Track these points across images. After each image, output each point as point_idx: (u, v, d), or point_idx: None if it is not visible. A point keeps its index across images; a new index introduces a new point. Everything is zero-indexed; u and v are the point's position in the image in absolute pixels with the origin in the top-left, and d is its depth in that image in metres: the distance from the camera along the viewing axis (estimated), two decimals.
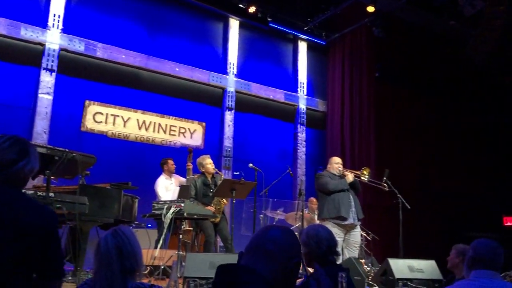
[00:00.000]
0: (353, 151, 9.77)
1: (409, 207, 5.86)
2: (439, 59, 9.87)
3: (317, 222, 6.57)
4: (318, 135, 10.66)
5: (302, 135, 10.32)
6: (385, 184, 5.76)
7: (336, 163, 5.72)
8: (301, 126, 10.40)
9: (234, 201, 5.66)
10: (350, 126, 9.96)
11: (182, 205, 4.63)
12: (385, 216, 8.10)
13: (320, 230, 2.96)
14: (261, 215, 7.49)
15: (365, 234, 7.44)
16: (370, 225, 7.96)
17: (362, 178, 5.62)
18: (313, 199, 7.90)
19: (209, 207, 5.61)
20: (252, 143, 9.53)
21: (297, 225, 7.08)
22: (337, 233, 5.20)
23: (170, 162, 7.07)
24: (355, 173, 5.63)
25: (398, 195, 5.89)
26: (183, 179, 6.72)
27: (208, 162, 5.97)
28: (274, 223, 7.41)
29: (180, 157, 7.61)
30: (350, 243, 5.46)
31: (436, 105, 10.31)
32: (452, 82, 10.15)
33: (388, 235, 7.26)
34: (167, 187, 6.93)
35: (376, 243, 7.71)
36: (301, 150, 10.21)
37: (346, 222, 5.37)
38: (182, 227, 5.15)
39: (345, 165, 6.14)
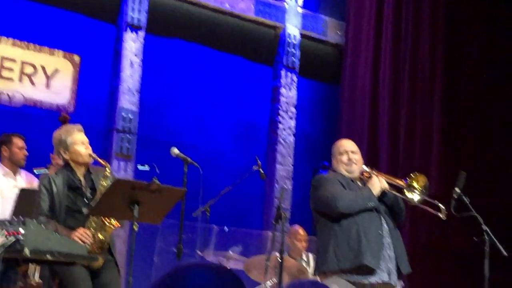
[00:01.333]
0: (396, 136, 7.46)
1: (505, 253, 4.36)
2: None
3: (311, 278, 5.36)
4: (324, 94, 8.35)
5: (290, 93, 7.82)
6: (443, 207, 4.21)
7: (340, 152, 4.25)
8: (289, 74, 7.84)
9: (136, 227, 4.07)
10: (393, 84, 7.43)
11: (22, 231, 3.55)
12: (455, 268, 6.93)
13: None
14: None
15: None
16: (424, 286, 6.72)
17: (409, 194, 4.15)
18: (300, 230, 6.23)
19: (78, 236, 4.16)
20: (180, 106, 7.40)
21: (268, 283, 5.36)
22: None
23: (17, 142, 5.28)
24: (393, 181, 4.22)
25: (484, 228, 4.36)
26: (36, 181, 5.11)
27: (78, 141, 4.39)
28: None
29: (37, 133, 5.90)
30: None
31: None
32: None
33: None
34: (2, 193, 5.26)
35: None
36: (286, 124, 7.81)
37: (374, 280, 3.96)
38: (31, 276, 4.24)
39: (374, 165, 4.73)
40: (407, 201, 4.24)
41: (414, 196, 4.24)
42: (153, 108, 7.28)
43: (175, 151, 4.80)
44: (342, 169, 4.21)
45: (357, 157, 4.23)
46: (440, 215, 4.24)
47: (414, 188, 4.26)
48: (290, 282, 4.67)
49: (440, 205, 4.19)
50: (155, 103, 7.30)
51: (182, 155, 4.79)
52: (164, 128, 7.32)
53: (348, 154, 4.22)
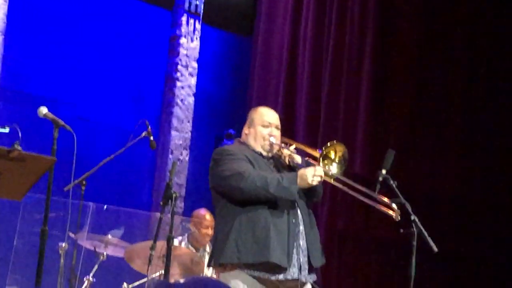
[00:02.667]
0: (316, 102, 7.05)
1: (435, 249, 3.85)
2: None
3: (208, 272, 5.17)
4: (233, 47, 8.18)
5: (191, 45, 7.55)
6: (379, 188, 3.82)
7: (264, 124, 3.91)
8: (191, 20, 7.52)
9: None
10: (315, 41, 7.09)
11: None
12: (378, 261, 6.66)
13: None
14: (63, 244, 5.01)
15: None
16: (340, 279, 6.48)
17: (325, 167, 3.72)
18: (207, 215, 5.88)
19: None
20: (55, 54, 6.83)
21: (155, 275, 5.08)
22: None
23: None
24: (305, 150, 3.93)
25: (413, 218, 3.84)
26: None
27: None
28: (96, 266, 5.33)
29: None
30: None
31: None
32: None
33: None
34: None
35: None
36: (186, 82, 7.54)
37: (282, 277, 3.64)
38: None
39: (290, 136, 4.85)
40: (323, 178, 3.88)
41: (331, 169, 3.84)
42: (19, 53, 6.77)
43: (43, 110, 4.12)
44: (257, 144, 3.91)
45: (279, 134, 3.92)
46: (394, 215, 3.82)
47: (330, 159, 3.87)
48: (176, 282, 4.35)
49: (392, 204, 3.81)
50: (22, 47, 6.78)
51: (51, 115, 4.06)
52: (32, 79, 6.81)
53: (272, 129, 3.89)
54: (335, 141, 3.90)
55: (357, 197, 4.00)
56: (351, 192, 3.93)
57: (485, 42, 7.29)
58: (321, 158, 3.77)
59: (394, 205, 3.81)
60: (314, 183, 3.65)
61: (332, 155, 3.88)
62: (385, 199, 3.88)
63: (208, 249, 5.81)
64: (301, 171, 3.72)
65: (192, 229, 6.03)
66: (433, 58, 7.40)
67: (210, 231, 5.73)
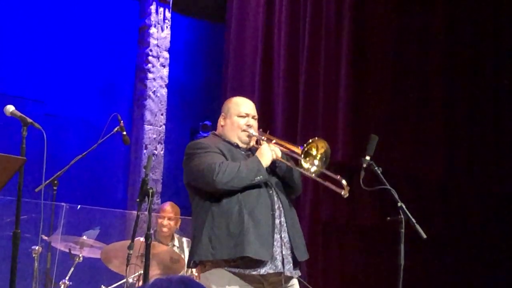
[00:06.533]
0: (294, 90, 6.93)
1: (424, 236, 3.87)
2: None
3: (185, 271, 5.12)
4: (205, 36, 8.16)
5: (161, 34, 7.52)
6: (345, 184, 3.76)
7: (240, 115, 3.88)
8: (161, 9, 7.46)
9: None
10: (290, 25, 6.98)
11: None
12: (364, 252, 6.65)
13: None
14: (36, 247, 5.03)
15: None
16: (326, 274, 6.41)
17: (305, 164, 3.74)
18: (166, 207, 5.91)
19: None
20: (20, 49, 6.74)
21: (134, 275, 5.07)
22: None
23: None
24: (286, 146, 3.84)
25: (399, 205, 3.86)
26: None
27: None
28: (72, 269, 5.27)
29: None
30: None
31: None
32: None
33: None
34: None
35: None
36: (157, 73, 7.47)
37: (263, 271, 3.61)
38: None
39: (269, 124, 5.39)
40: (303, 173, 3.92)
41: (311, 167, 3.82)
42: None
43: (9, 108, 4.14)
44: (234, 135, 3.87)
45: (256, 124, 3.90)
46: (342, 192, 3.80)
47: (311, 156, 3.83)
48: (156, 279, 4.27)
49: (342, 180, 3.75)
50: None
51: (18, 113, 4.13)
52: None
53: (249, 119, 3.87)
54: (316, 137, 3.89)
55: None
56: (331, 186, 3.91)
57: (463, 24, 7.33)
58: (302, 155, 3.77)
59: (343, 182, 3.85)
60: (274, 155, 3.72)
61: (314, 151, 3.88)
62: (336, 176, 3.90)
63: (177, 243, 5.79)
64: (258, 150, 3.79)
65: (160, 222, 6.01)
66: (412, 40, 7.38)
67: (166, 221, 5.74)
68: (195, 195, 3.79)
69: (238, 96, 4.22)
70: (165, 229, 5.73)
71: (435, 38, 7.26)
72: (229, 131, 3.90)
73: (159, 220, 5.86)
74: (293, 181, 3.89)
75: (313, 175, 3.81)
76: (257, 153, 3.74)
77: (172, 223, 5.80)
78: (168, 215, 5.81)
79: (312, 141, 3.83)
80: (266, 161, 3.67)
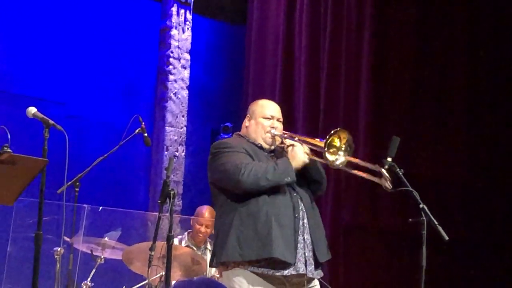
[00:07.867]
0: (315, 91, 6.92)
1: (446, 237, 3.77)
2: None
3: (210, 272, 5.31)
4: (226, 37, 8.28)
5: (183, 36, 7.63)
6: (386, 174, 3.66)
7: (265, 117, 3.89)
8: (182, 11, 7.56)
9: None
10: (310, 24, 6.97)
11: None
12: (386, 254, 6.52)
13: None
14: (58, 249, 5.02)
15: None
16: (348, 275, 6.35)
17: (329, 156, 3.68)
18: (205, 211, 5.95)
19: None
20: (42, 52, 6.83)
21: (155, 276, 5.00)
22: None
23: None
24: (307, 141, 3.81)
25: (421, 206, 3.79)
26: None
27: None
28: (94, 270, 5.30)
29: None
30: None
31: None
32: None
33: None
34: None
35: None
36: (179, 75, 7.63)
37: (287, 272, 3.61)
38: None
39: (291, 124, 5.47)
40: (329, 166, 3.82)
41: (337, 158, 3.79)
42: (4, 53, 6.78)
43: (31, 110, 4.15)
44: (258, 136, 3.88)
45: (281, 126, 3.91)
46: (383, 182, 3.74)
47: (335, 147, 3.81)
48: (178, 281, 4.40)
49: (380, 169, 3.71)
50: (7, 46, 6.77)
51: (40, 115, 4.12)
52: (19, 79, 6.80)
53: (273, 121, 3.88)
54: (338, 128, 3.84)
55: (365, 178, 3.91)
56: (360, 174, 3.88)
57: (485, 25, 7.18)
58: (326, 148, 3.71)
59: (383, 171, 3.79)
60: (307, 159, 3.68)
61: (337, 142, 3.84)
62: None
63: (209, 246, 5.78)
64: (290, 152, 3.77)
65: (193, 225, 5.99)
66: (434, 41, 7.31)
67: (203, 229, 5.75)
68: (221, 194, 3.79)
69: (263, 99, 4.21)
70: (201, 235, 5.78)
71: (458, 37, 7.11)
72: (253, 132, 3.92)
73: (197, 226, 5.87)
74: (320, 175, 3.90)
75: (341, 165, 3.77)
76: (289, 155, 3.74)
77: (209, 230, 5.82)
78: (206, 222, 5.84)
79: (334, 132, 3.81)
80: (297, 164, 3.68)
